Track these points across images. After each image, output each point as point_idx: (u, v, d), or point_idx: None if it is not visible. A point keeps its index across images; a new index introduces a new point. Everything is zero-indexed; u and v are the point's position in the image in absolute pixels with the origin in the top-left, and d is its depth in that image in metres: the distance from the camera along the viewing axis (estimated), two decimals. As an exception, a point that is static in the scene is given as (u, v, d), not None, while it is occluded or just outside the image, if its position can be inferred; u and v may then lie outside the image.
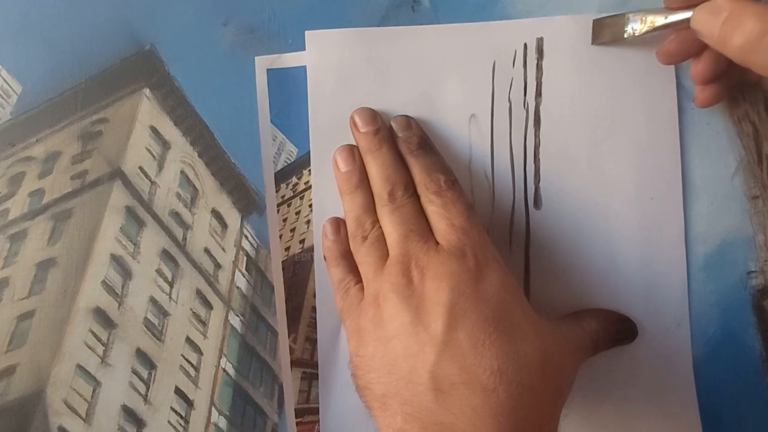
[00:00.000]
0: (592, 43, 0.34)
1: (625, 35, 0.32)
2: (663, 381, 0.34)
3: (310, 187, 0.35)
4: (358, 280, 0.32)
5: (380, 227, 0.32)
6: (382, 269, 0.30)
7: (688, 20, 0.30)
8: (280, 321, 0.35)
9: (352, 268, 0.32)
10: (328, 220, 0.34)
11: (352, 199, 0.33)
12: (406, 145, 0.33)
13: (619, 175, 0.35)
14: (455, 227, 0.30)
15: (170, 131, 0.36)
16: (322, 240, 0.34)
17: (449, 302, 0.28)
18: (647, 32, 0.32)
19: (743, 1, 0.27)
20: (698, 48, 0.31)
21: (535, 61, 0.35)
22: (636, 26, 0.32)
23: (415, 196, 0.32)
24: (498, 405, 0.26)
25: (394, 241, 0.30)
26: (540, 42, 0.35)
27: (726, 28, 0.27)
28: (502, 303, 0.28)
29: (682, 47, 0.31)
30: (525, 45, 0.35)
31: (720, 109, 0.35)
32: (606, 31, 0.33)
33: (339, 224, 0.34)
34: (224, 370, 0.36)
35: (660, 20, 0.31)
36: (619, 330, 0.34)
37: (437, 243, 0.30)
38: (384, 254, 0.31)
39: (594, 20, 0.34)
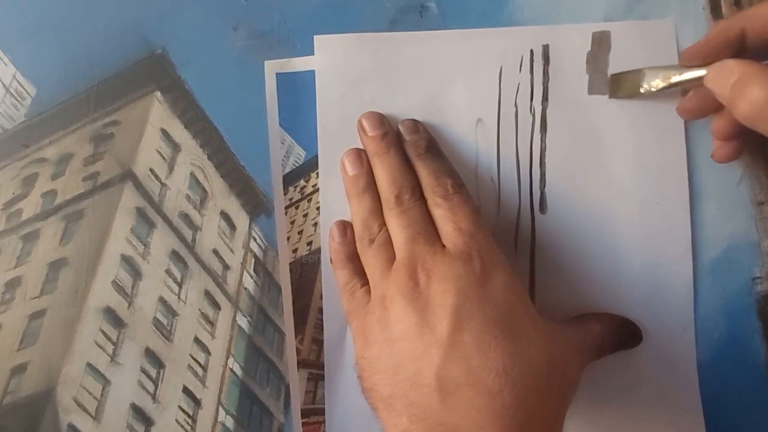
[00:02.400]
0: (610, 98, 0.34)
1: (642, 90, 0.33)
2: (668, 385, 0.35)
3: (317, 189, 0.35)
4: (364, 282, 0.32)
5: (387, 230, 0.32)
6: (389, 271, 0.30)
7: (702, 78, 0.30)
8: (287, 322, 0.36)
9: (358, 271, 0.33)
10: (334, 222, 0.34)
11: (359, 202, 0.33)
12: (414, 149, 0.33)
13: (625, 180, 0.35)
14: (462, 231, 0.30)
15: (181, 134, 0.36)
16: (328, 242, 0.34)
17: (455, 305, 0.28)
18: (663, 88, 0.32)
19: (753, 66, 0.28)
20: (717, 105, 0.31)
21: (542, 67, 0.35)
22: (652, 82, 0.32)
23: (422, 199, 0.32)
24: (503, 406, 0.26)
25: (401, 243, 0.31)
26: (546, 48, 0.35)
27: (735, 92, 0.28)
28: (507, 306, 0.29)
29: (701, 104, 0.31)
30: (531, 51, 0.35)
31: (726, 115, 0.35)
32: (623, 86, 0.34)
33: (345, 227, 0.34)
34: (231, 370, 0.36)
35: (676, 77, 0.31)
36: (624, 334, 0.34)
37: (443, 246, 0.30)
38: (391, 257, 0.31)
39: (611, 75, 0.34)
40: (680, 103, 0.33)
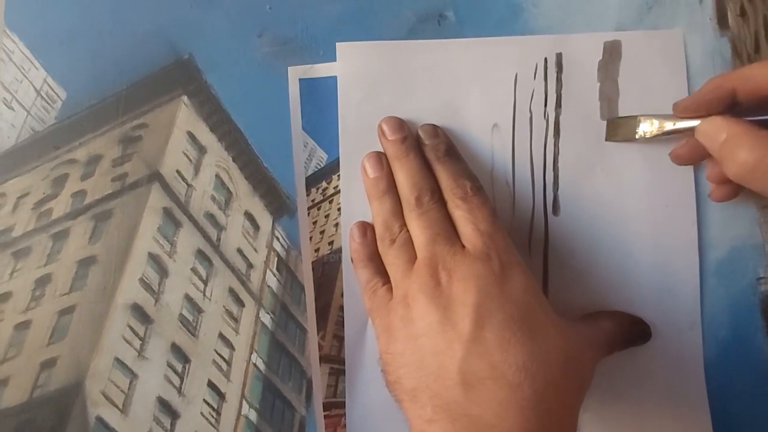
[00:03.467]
0: (606, 140, 0.36)
1: (637, 136, 0.34)
2: (675, 382, 0.36)
3: (339, 191, 0.37)
4: (386, 281, 0.33)
5: (408, 231, 0.33)
6: (411, 271, 0.32)
7: (695, 129, 0.32)
8: (309, 319, 0.37)
9: (379, 270, 0.34)
10: (354, 224, 0.36)
11: (380, 203, 0.34)
12: (434, 152, 0.34)
13: (634, 184, 0.36)
14: (481, 231, 0.31)
15: (206, 137, 0.38)
16: (349, 243, 0.36)
17: (476, 302, 0.29)
18: (657, 135, 0.33)
19: (741, 126, 0.29)
20: (709, 153, 0.32)
21: (555, 75, 0.37)
22: (646, 128, 0.34)
23: (441, 201, 0.33)
24: (523, 399, 0.28)
25: (422, 244, 0.32)
26: (559, 57, 0.37)
27: (723, 152, 0.29)
28: (525, 304, 0.30)
29: (694, 153, 0.32)
30: (545, 59, 0.37)
31: (732, 121, 0.37)
32: (619, 131, 0.35)
33: (366, 228, 0.35)
34: (255, 365, 0.37)
35: (669, 125, 0.33)
36: (634, 331, 0.35)
37: (463, 246, 0.31)
38: (412, 257, 0.32)
39: (608, 120, 0.36)
40: (674, 149, 0.34)
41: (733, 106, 0.31)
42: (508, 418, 0.27)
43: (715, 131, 0.29)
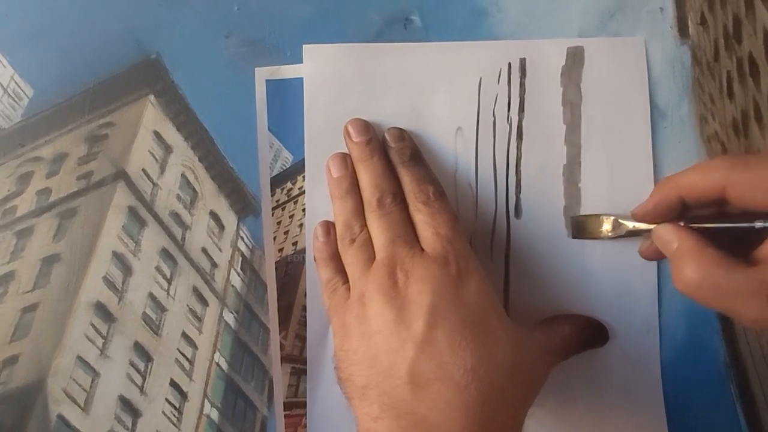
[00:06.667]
0: (572, 237, 0.36)
1: (601, 235, 0.35)
2: (632, 383, 0.36)
3: (303, 192, 0.37)
4: (346, 280, 0.34)
5: (368, 231, 0.33)
6: (369, 270, 0.32)
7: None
8: (271, 318, 0.37)
9: (340, 269, 0.34)
10: (319, 223, 0.36)
11: (342, 203, 0.34)
12: (399, 156, 0.35)
13: (595, 188, 0.37)
14: (440, 236, 0.32)
15: (173, 136, 0.38)
16: (312, 242, 0.36)
17: (431, 304, 0.30)
18: (618, 236, 0.35)
19: (689, 241, 0.29)
20: None
21: (519, 80, 0.37)
22: (608, 228, 0.35)
23: (403, 204, 0.33)
24: (469, 400, 0.28)
25: (381, 244, 0.32)
26: (523, 62, 0.37)
27: (674, 263, 0.29)
28: (479, 309, 0.30)
29: (658, 252, 0.32)
30: (509, 64, 0.37)
31: (691, 128, 0.37)
32: (584, 229, 0.36)
33: (329, 227, 0.36)
34: (217, 364, 0.37)
35: (630, 225, 0.34)
36: (591, 334, 0.36)
37: (422, 249, 0.32)
38: (371, 257, 0.32)
39: (572, 217, 0.36)
40: (640, 248, 0.35)
41: (686, 210, 0.32)
42: (453, 419, 0.28)
43: (668, 239, 0.30)
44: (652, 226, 0.32)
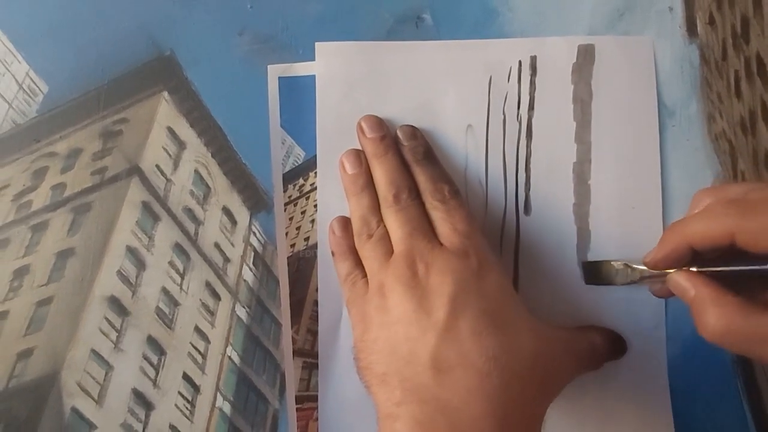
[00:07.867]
0: (586, 283, 0.36)
1: (615, 282, 0.34)
2: (638, 380, 0.37)
3: (315, 188, 0.37)
4: (365, 274, 0.34)
5: (385, 226, 0.34)
6: (387, 263, 0.32)
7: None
8: (284, 313, 0.38)
9: (359, 263, 0.34)
10: (336, 218, 0.36)
11: (358, 199, 0.35)
12: (412, 154, 0.35)
13: (603, 185, 0.37)
14: (458, 231, 0.32)
15: (186, 132, 0.38)
16: (329, 236, 0.36)
17: (453, 294, 0.30)
18: (633, 282, 0.34)
19: (706, 289, 0.29)
20: None
21: (529, 78, 0.37)
22: (623, 277, 0.34)
23: (418, 199, 0.34)
24: (491, 387, 0.28)
25: (399, 238, 0.32)
26: (533, 60, 0.37)
27: (694, 308, 0.29)
28: (500, 301, 0.31)
29: (670, 292, 0.32)
30: (519, 62, 0.37)
31: (699, 127, 0.38)
32: (597, 276, 0.35)
33: (347, 222, 0.36)
34: (230, 358, 0.38)
35: (646, 274, 0.33)
36: (616, 349, 0.36)
37: (440, 244, 0.32)
38: (389, 250, 0.33)
39: (584, 263, 0.36)
40: (651, 287, 0.34)
41: (697, 256, 0.31)
42: (475, 405, 0.28)
43: (684, 286, 0.30)
44: (666, 272, 0.32)
